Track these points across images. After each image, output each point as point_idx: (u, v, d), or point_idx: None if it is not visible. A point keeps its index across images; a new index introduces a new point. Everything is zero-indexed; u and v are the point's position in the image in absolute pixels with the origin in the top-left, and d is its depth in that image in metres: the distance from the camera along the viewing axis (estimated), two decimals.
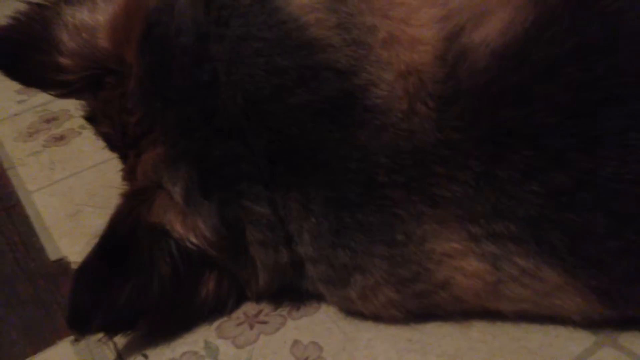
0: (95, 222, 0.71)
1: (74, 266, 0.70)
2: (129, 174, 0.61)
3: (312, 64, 0.50)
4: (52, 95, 0.64)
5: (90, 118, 0.65)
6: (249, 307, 0.64)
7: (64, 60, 0.58)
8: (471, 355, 0.57)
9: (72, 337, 0.65)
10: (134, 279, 0.55)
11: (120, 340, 0.62)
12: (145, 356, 0.61)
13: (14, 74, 0.63)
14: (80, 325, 0.56)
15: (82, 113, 0.67)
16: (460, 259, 0.51)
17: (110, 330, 0.58)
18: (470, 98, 0.48)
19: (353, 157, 0.50)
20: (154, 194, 0.57)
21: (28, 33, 0.58)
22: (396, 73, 0.49)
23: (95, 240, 0.56)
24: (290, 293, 0.62)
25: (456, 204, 0.50)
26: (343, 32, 0.50)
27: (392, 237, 0.52)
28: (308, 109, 0.51)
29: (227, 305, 0.61)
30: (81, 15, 0.57)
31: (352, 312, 0.60)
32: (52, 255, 0.78)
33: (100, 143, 0.71)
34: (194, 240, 0.55)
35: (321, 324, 0.61)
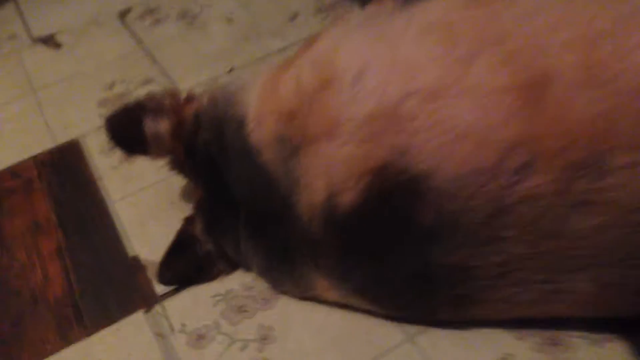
0: (158, 231, 1.08)
1: (143, 262, 1.06)
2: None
3: None
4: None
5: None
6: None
7: (150, 149, 1.00)
8: None
9: (143, 309, 0.99)
10: (185, 262, 1.00)
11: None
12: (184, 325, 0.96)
13: (126, 150, 1.04)
14: (162, 282, 1.02)
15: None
16: None
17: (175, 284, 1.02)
18: None
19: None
20: (194, 223, 0.98)
21: (128, 131, 1.00)
22: None
23: (169, 243, 1.01)
24: None
25: None
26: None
27: None
28: None
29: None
30: (155, 126, 0.97)
31: None
32: (130, 253, 1.10)
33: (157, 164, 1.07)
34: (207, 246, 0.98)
35: None
